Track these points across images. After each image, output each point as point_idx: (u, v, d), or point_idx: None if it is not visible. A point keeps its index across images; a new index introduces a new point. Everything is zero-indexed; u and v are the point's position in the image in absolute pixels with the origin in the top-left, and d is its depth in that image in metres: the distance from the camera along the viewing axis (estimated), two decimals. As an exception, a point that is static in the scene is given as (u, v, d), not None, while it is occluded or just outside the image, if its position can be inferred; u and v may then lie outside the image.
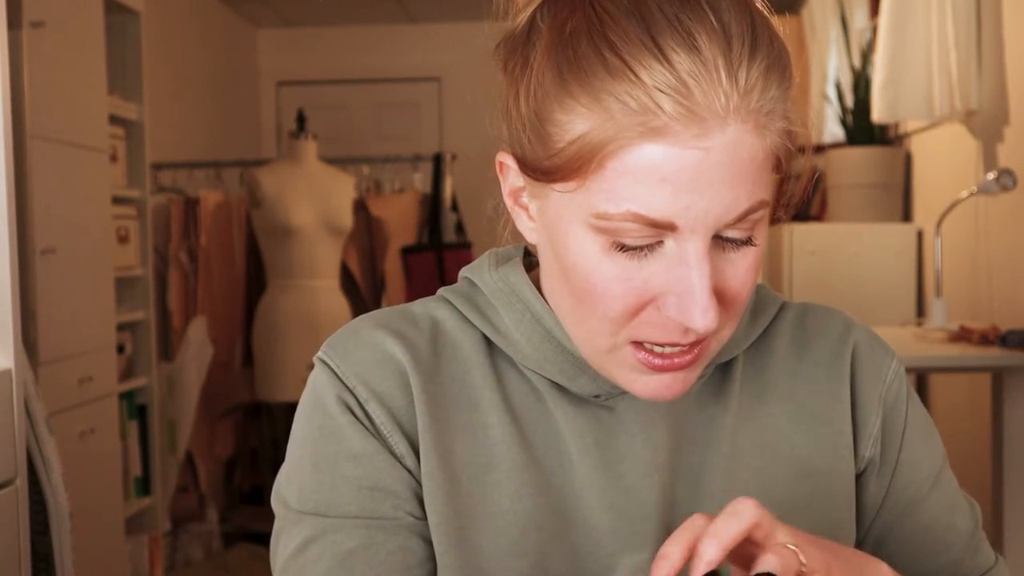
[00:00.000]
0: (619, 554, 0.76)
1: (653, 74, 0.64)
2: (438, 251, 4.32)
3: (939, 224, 2.84)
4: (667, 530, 0.76)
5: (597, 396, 0.77)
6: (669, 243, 0.67)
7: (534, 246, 0.80)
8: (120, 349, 3.35)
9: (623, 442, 0.77)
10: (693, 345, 0.71)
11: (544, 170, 0.69)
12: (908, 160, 3.74)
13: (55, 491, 2.07)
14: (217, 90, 5.20)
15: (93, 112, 3.10)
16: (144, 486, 3.54)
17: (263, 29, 5.92)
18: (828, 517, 0.80)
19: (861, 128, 3.69)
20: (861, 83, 3.71)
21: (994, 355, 2.34)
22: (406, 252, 4.32)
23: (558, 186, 0.69)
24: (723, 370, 0.81)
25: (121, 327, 3.36)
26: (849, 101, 3.79)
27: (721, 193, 0.65)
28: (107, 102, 3.21)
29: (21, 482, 1.94)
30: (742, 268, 0.69)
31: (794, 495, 0.79)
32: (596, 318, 0.70)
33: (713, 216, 0.66)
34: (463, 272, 0.83)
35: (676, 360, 0.70)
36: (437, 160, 4.39)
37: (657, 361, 0.70)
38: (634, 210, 0.65)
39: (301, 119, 4.15)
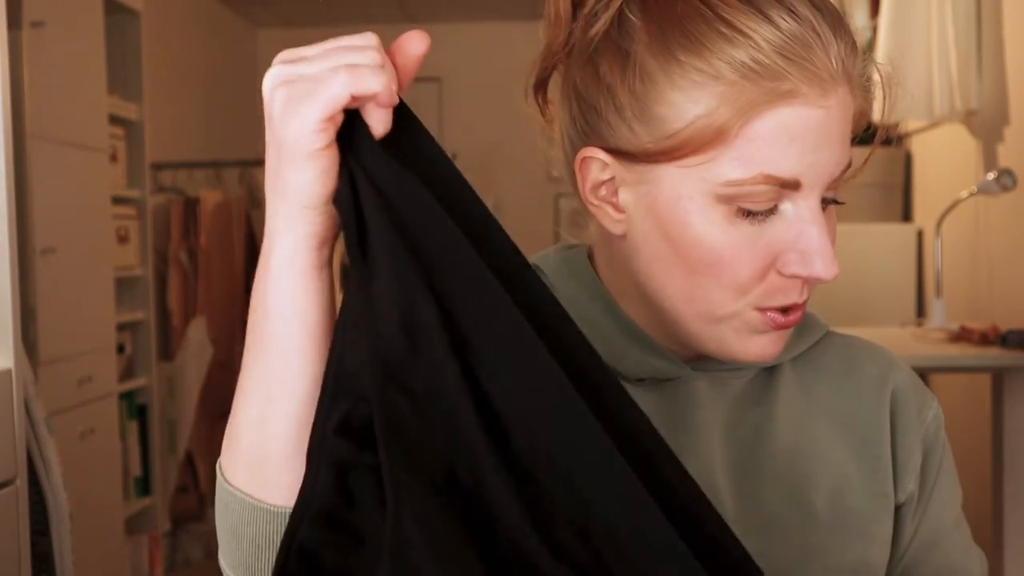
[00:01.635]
0: None
1: (772, 41, 0.69)
2: (438, 251, 4.31)
3: (939, 224, 2.84)
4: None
5: (641, 380, 0.79)
6: (785, 206, 0.72)
7: (590, 245, 0.83)
8: (120, 349, 3.35)
9: (658, 424, 0.78)
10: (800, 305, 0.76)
11: (659, 151, 0.72)
12: (908, 160, 3.75)
13: (55, 491, 2.07)
14: (217, 90, 5.20)
15: (93, 112, 3.10)
16: (144, 486, 3.54)
17: (263, 29, 5.92)
18: (862, 534, 0.80)
19: (861, 128, 3.69)
20: (861, 83, 3.71)
21: (994, 355, 2.34)
22: (406, 252, 4.31)
23: (682, 162, 0.71)
24: (768, 376, 0.83)
25: (121, 327, 3.36)
26: (849, 101, 3.79)
27: (836, 151, 0.72)
28: (107, 102, 3.21)
29: (21, 482, 1.94)
30: (832, 228, 0.75)
31: (828, 506, 0.80)
32: (720, 287, 0.73)
33: (828, 173, 0.72)
34: (530, 260, 0.86)
35: (791, 317, 0.75)
36: (437, 160, 4.39)
37: (780, 318, 0.74)
38: (766, 172, 0.70)
39: (301, 119, 4.14)
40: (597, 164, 0.76)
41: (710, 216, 0.72)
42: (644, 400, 0.79)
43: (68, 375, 2.87)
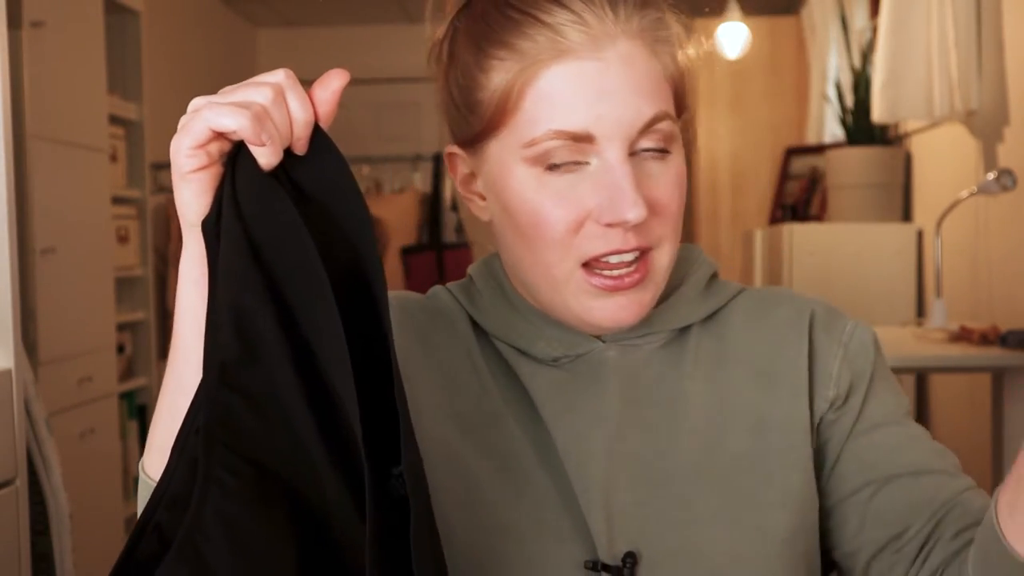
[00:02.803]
0: (555, 496, 0.82)
1: (554, 15, 0.78)
2: (438, 251, 4.32)
3: (939, 224, 2.84)
4: (608, 475, 0.81)
5: (555, 360, 0.85)
6: (594, 161, 0.79)
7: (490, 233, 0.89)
8: (120, 349, 3.35)
9: (572, 397, 0.84)
10: (639, 262, 0.80)
11: (481, 131, 0.82)
12: (908, 160, 3.75)
13: (55, 491, 2.07)
14: (217, 90, 5.19)
15: (93, 112, 3.10)
16: (144, 486, 3.54)
17: (263, 29, 5.92)
18: (783, 465, 0.83)
19: (861, 128, 3.69)
20: (861, 83, 3.71)
21: (994, 355, 2.34)
22: (406, 252, 4.32)
23: (496, 135, 0.81)
24: (679, 338, 0.87)
25: (121, 327, 3.36)
26: (849, 101, 3.79)
27: (626, 100, 0.78)
28: (107, 102, 3.21)
29: (21, 482, 1.94)
30: (664, 180, 0.80)
31: (747, 446, 0.83)
32: (545, 246, 0.80)
33: (624, 123, 0.78)
34: (468, 270, 0.94)
35: (626, 279, 0.80)
36: (437, 160, 4.39)
37: (608, 282, 0.80)
38: (554, 127, 0.77)
39: (301, 119, 4.14)
40: (459, 160, 0.86)
41: (524, 179, 0.79)
42: (558, 379, 0.84)
43: (68, 375, 2.87)
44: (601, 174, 0.78)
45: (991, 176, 2.60)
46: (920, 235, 3.53)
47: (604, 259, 0.79)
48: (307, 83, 0.69)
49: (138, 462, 0.76)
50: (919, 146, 3.66)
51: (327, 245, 0.64)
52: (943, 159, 3.41)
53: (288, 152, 0.67)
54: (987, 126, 2.96)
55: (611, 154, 0.78)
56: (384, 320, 0.64)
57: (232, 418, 0.62)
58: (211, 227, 0.64)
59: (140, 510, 0.73)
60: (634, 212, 0.77)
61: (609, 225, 0.78)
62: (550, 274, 0.81)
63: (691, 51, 0.85)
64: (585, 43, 0.77)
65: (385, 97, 5.90)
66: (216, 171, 0.65)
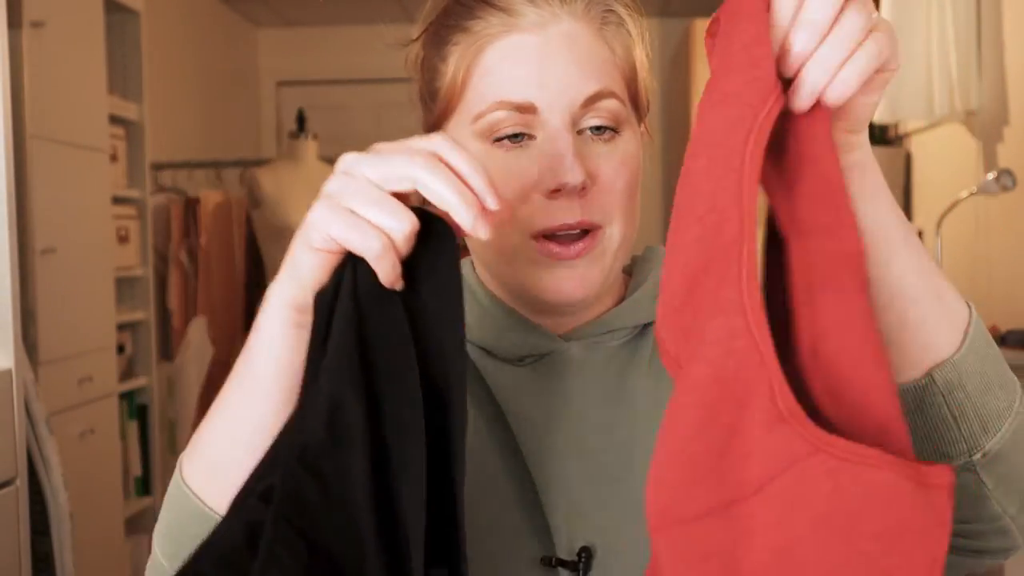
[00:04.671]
0: (518, 495, 0.83)
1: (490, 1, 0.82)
2: (438, 251, 4.31)
3: (939, 224, 2.84)
4: (568, 473, 0.82)
5: (520, 359, 0.87)
6: (540, 136, 0.81)
7: None
8: (120, 349, 3.35)
9: (534, 395, 0.85)
10: (587, 236, 0.82)
11: (440, 115, 0.85)
12: (908, 160, 3.75)
13: (55, 491, 2.08)
14: (217, 90, 5.20)
15: (93, 112, 3.10)
16: (144, 486, 3.54)
17: (263, 29, 5.92)
18: None
19: (861, 128, 3.69)
20: (861, 83, 3.71)
21: (994, 355, 2.34)
22: (406, 252, 4.31)
23: (454, 116, 0.84)
24: (640, 336, 0.88)
25: (121, 327, 3.36)
26: (849, 101, 3.79)
27: (568, 73, 0.80)
28: (107, 102, 3.21)
29: (21, 482, 1.94)
30: (611, 159, 0.82)
31: None
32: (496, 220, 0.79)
33: (566, 96, 0.80)
34: None
35: (572, 248, 0.81)
36: (437, 160, 4.39)
37: (556, 248, 0.81)
38: (498, 98, 0.80)
39: (301, 119, 4.14)
40: None
41: (475, 152, 0.80)
42: (525, 378, 0.86)
43: (68, 375, 2.87)
44: (544, 145, 0.80)
45: (991, 176, 2.60)
46: (920, 235, 3.53)
47: (552, 234, 0.81)
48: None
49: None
50: (919, 146, 3.66)
51: (422, 348, 0.65)
52: (943, 159, 3.41)
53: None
54: (987, 126, 2.96)
55: (553, 125, 0.80)
56: (455, 431, 0.64)
57: (299, 496, 0.62)
58: (325, 302, 0.65)
59: (165, 510, 0.74)
60: (572, 175, 0.78)
61: (552, 193, 0.80)
62: (500, 246, 0.83)
63: (644, 56, 0.87)
64: (531, 20, 0.81)
65: (385, 97, 5.90)
66: (343, 251, 0.65)
